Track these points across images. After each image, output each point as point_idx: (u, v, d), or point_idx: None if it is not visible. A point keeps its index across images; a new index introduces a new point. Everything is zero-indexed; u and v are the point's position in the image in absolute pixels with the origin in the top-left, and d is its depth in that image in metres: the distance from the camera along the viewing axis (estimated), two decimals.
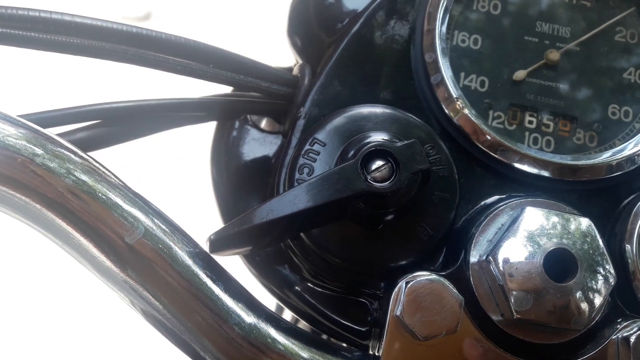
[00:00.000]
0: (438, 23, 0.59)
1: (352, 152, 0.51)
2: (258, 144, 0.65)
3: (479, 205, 0.56)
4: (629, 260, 0.53)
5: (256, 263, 0.57)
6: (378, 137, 0.52)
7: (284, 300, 0.57)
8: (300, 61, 0.66)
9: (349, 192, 0.47)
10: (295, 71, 0.63)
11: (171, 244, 0.45)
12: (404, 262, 0.52)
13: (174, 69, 0.55)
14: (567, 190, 0.56)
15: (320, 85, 0.59)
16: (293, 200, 0.47)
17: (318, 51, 0.64)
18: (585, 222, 0.50)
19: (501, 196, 0.56)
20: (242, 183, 0.64)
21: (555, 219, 0.50)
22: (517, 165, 0.56)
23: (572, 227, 0.49)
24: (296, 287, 0.56)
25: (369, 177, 0.48)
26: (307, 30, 0.67)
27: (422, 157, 0.49)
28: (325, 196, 0.47)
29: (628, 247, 0.54)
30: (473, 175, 0.57)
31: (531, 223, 0.49)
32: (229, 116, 0.63)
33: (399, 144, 0.49)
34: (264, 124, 0.69)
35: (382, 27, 0.61)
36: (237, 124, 0.65)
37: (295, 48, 0.67)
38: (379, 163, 0.48)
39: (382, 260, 0.52)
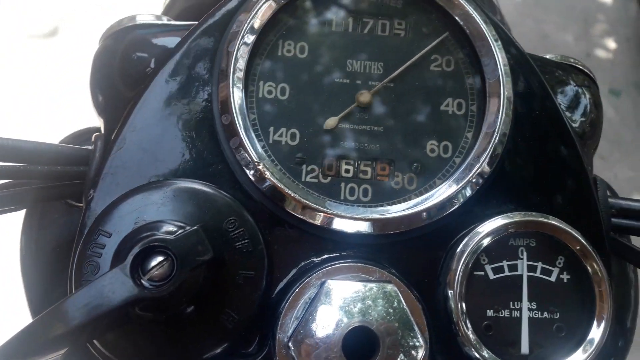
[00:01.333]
0: (231, 79, 0.54)
1: (126, 250, 0.46)
2: (70, 223, 0.60)
3: (294, 273, 0.52)
4: (452, 309, 0.51)
5: None
6: (163, 227, 0.47)
7: None
8: (101, 121, 0.60)
9: (118, 301, 0.42)
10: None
11: None
12: (212, 354, 0.48)
13: None
14: (388, 243, 0.53)
15: (112, 159, 0.53)
16: (65, 314, 0.42)
17: (118, 110, 0.57)
18: (389, 289, 0.47)
19: (316, 259, 0.52)
20: (53, 269, 0.58)
21: (357, 291, 0.46)
22: (329, 226, 0.52)
23: (375, 297, 0.46)
24: None
25: (144, 278, 0.43)
26: (109, 83, 0.60)
27: (205, 247, 0.44)
28: (95, 310, 0.42)
29: (451, 292, 0.51)
30: (287, 240, 0.53)
31: (332, 298, 0.46)
32: (27, 206, 0.57)
33: (178, 234, 0.44)
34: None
35: (184, 83, 0.56)
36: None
37: (97, 106, 0.61)
38: (159, 259, 0.44)
39: (186, 358, 0.48)
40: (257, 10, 0.54)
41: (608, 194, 0.60)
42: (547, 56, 0.66)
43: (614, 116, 3.00)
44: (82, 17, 3.47)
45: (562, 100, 0.62)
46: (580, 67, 0.65)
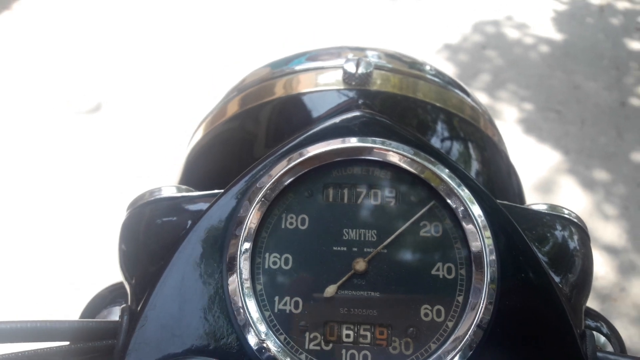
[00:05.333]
0: (239, 267, 0.60)
1: None
2: None
3: None
4: None
5: None
6: None
7: None
8: (127, 288, 0.67)
9: None
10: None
11: None
12: None
13: None
14: None
15: (136, 336, 0.59)
16: None
17: (142, 284, 0.64)
18: None
19: None
20: None
21: None
22: None
23: None
24: None
25: None
26: (134, 258, 0.67)
27: None
28: None
29: None
30: None
31: None
32: None
33: None
34: None
35: (198, 262, 0.62)
36: None
37: (124, 277, 0.68)
38: None
39: None
40: (252, 212, 0.61)
41: (615, 346, 0.62)
42: (535, 207, 0.70)
43: None
44: (124, 92, 3.69)
45: (548, 252, 0.65)
46: (567, 215, 0.68)
